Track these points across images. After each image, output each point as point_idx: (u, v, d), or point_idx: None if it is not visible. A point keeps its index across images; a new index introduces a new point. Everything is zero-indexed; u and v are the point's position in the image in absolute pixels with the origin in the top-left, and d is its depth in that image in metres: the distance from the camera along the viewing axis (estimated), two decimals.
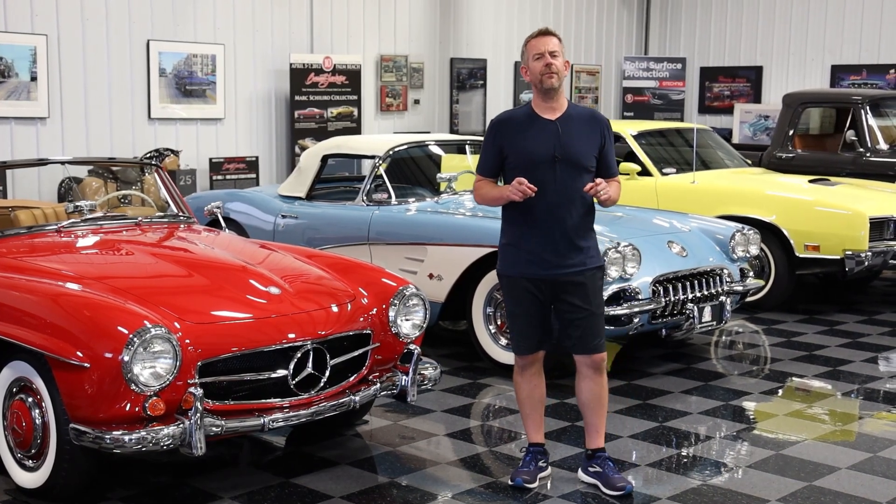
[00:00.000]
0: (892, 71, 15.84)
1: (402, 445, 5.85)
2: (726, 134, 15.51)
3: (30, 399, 4.87)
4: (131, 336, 4.52)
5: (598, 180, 5.01)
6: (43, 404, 4.80)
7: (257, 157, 13.14)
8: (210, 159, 12.65)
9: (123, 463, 5.46)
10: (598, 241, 5.28)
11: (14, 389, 4.98)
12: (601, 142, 5.12)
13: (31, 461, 4.93)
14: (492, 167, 5.16)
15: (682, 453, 5.82)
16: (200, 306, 5.04)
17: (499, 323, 7.30)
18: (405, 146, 8.58)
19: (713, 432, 6.16)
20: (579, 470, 5.35)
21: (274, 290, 5.28)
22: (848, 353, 8.04)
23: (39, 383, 4.78)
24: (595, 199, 5.13)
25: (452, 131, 15.48)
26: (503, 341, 7.29)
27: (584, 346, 5.18)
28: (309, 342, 5.06)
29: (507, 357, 7.27)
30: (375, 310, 5.47)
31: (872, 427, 6.31)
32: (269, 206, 8.83)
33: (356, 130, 13.92)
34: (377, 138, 9.42)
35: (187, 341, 4.71)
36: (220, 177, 12.63)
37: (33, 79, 11.12)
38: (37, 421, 4.84)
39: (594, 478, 5.24)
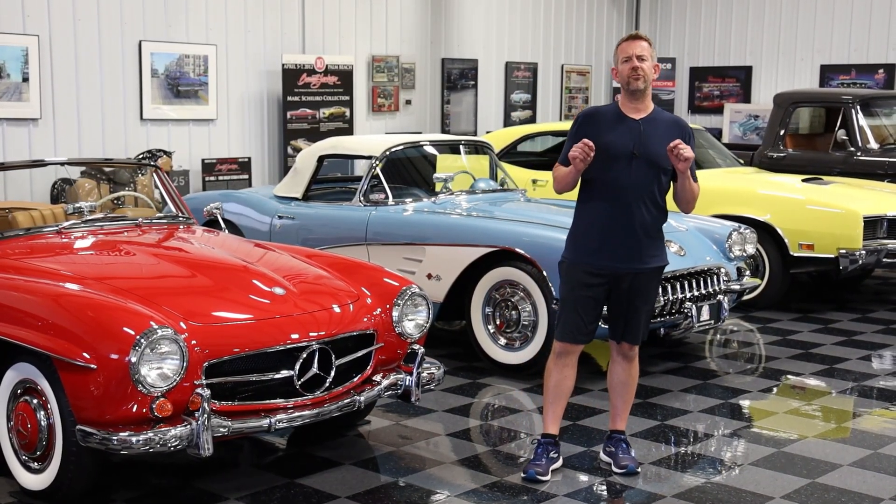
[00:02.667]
0: (881, 70, 15.92)
1: (405, 445, 5.86)
2: (716, 134, 15.55)
3: (35, 401, 4.85)
4: (138, 337, 4.52)
5: (680, 140, 5.07)
6: (48, 406, 4.79)
7: (250, 158, 13.12)
8: (203, 160, 12.62)
9: (125, 465, 5.46)
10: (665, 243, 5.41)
11: (18, 391, 4.96)
12: None
13: (36, 463, 4.92)
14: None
15: (684, 451, 5.85)
16: (205, 307, 5.03)
17: (497, 323, 7.31)
18: (401, 146, 8.58)
19: (714, 430, 6.19)
20: (601, 450, 5.64)
21: (278, 290, 5.28)
22: (843, 350, 8.08)
23: (45, 385, 4.77)
24: (675, 198, 5.28)
25: (444, 131, 15.50)
26: (502, 341, 7.31)
27: (623, 336, 5.42)
28: (314, 343, 5.07)
29: (505, 357, 7.29)
30: (379, 310, 5.48)
31: (872, 424, 6.35)
32: (265, 207, 8.82)
33: (348, 131, 13.92)
34: (373, 138, 9.42)
35: (193, 342, 4.71)
36: (212, 178, 12.61)
37: (25, 80, 11.07)
38: (42, 423, 4.83)
39: (609, 457, 5.52)
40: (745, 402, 6.77)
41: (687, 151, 5.06)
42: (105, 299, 4.85)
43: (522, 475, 5.33)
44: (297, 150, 12.97)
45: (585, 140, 5.06)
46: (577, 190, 5.35)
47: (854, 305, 9.84)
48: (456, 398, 6.77)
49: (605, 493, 5.22)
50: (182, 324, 4.77)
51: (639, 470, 5.40)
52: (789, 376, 7.39)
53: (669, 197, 5.34)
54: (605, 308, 5.40)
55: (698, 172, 9.95)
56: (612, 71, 5.36)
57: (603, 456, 5.57)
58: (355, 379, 5.33)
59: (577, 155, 5.06)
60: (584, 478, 5.38)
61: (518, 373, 7.20)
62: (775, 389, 7.10)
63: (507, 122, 16.53)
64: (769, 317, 9.22)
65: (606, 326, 5.50)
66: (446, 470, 5.51)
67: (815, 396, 6.94)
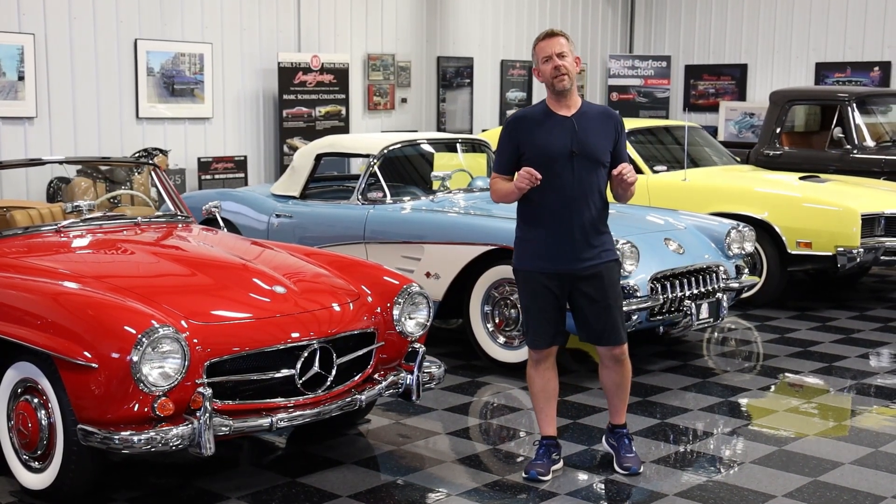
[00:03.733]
0: (876, 68, 15.94)
1: (405, 444, 5.85)
2: (712, 131, 15.55)
3: (35, 400, 4.84)
4: (140, 336, 4.50)
5: (624, 164, 5.14)
6: (49, 405, 4.77)
7: (246, 157, 13.09)
8: (199, 159, 12.60)
9: (126, 464, 5.44)
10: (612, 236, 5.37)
11: (19, 390, 4.94)
12: (615, 136, 5.22)
13: (36, 462, 4.90)
14: (508, 164, 5.20)
15: (685, 450, 5.84)
16: (206, 306, 5.02)
17: (497, 321, 7.30)
18: (399, 145, 8.56)
19: (714, 429, 6.18)
20: (603, 438, 5.61)
21: (279, 289, 5.27)
22: (842, 348, 8.08)
23: (45, 384, 4.75)
24: (612, 190, 5.28)
25: (439, 130, 15.49)
26: (501, 339, 7.31)
27: (603, 339, 5.33)
28: (315, 341, 5.05)
29: (505, 355, 7.29)
30: (379, 308, 5.46)
31: (872, 422, 6.35)
32: (263, 206, 8.80)
33: (344, 129, 13.89)
34: (371, 137, 9.41)
35: (195, 341, 4.70)
36: (208, 176, 12.59)
37: (20, 78, 11.04)
38: (43, 422, 4.81)
39: (611, 449, 5.49)
40: (744, 401, 6.77)
41: (631, 176, 5.09)
42: (106, 298, 4.84)
43: (524, 475, 5.32)
44: (293, 148, 12.97)
45: (531, 170, 4.98)
46: None
47: (851, 303, 9.84)
48: (455, 397, 6.76)
49: (606, 491, 5.21)
50: (183, 322, 4.75)
51: (641, 471, 5.36)
52: (788, 374, 7.39)
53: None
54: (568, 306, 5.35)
55: (696, 170, 10.15)
56: (534, 71, 5.28)
57: (605, 445, 5.54)
58: (356, 378, 5.32)
59: (524, 186, 5.02)
60: (585, 476, 5.37)
61: (517, 371, 7.16)
62: (774, 387, 7.10)
63: (503, 120, 16.51)
64: (767, 315, 9.22)
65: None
66: (447, 469, 5.50)
67: (815, 394, 6.94)
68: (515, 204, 7.22)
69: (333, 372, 5.14)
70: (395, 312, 5.48)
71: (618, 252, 5.44)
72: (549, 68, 5.11)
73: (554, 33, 5.19)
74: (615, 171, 5.12)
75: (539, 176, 4.99)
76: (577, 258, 5.16)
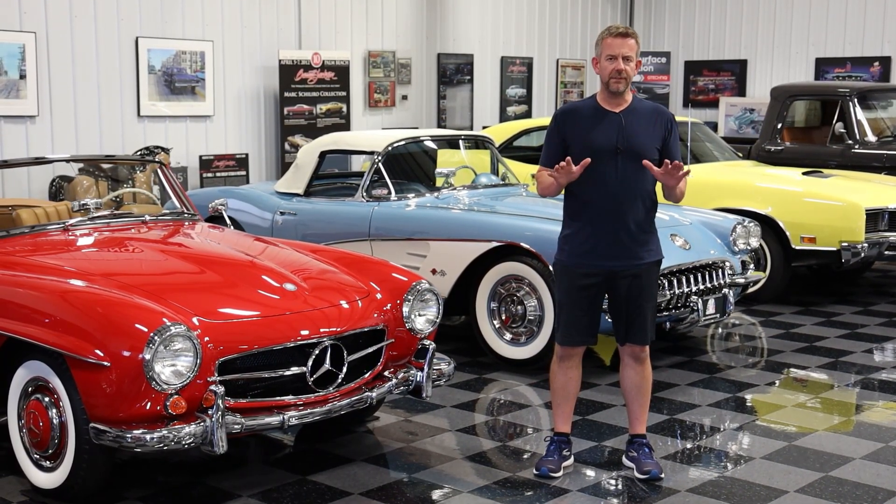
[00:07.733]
0: (876, 63, 15.93)
1: (415, 441, 5.84)
2: (712, 127, 15.55)
3: (46, 399, 4.82)
4: (152, 334, 4.49)
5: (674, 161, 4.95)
6: (60, 404, 4.75)
7: (247, 155, 13.07)
8: (200, 157, 12.59)
9: (134, 462, 5.43)
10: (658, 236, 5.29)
11: (30, 389, 4.93)
12: (664, 134, 5.13)
13: (48, 461, 4.88)
14: (554, 158, 5.14)
15: (695, 446, 5.84)
16: (216, 303, 5.00)
17: (503, 318, 7.30)
18: (403, 142, 8.55)
19: (723, 424, 6.18)
20: (623, 456, 5.47)
21: (289, 286, 5.25)
22: (848, 343, 8.08)
23: (57, 383, 4.73)
24: (662, 189, 5.14)
25: (440, 127, 15.47)
26: (507, 336, 7.30)
27: (628, 337, 5.29)
28: (326, 339, 5.04)
29: (511, 352, 7.28)
30: (389, 305, 5.45)
31: (881, 417, 6.35)
32: (267, 203, 8.78)
33: (345, 127, 13.87)
34: (374, 134, 9.40)
35: (206, 339, 4.68)
36: (210, 174, 12.56)
37: (22, 77, 11.01)
38: (54, 421, 4.79)
39: (631, 462, 5.37)
40: (752, 396, 6.77)
41: (680, 172, 4.94)
42: (117, 296, 4.82)
43: (535, 471, 5.31)
44: (294, 145, 12.96)
45: (568, 162, 4.91)
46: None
47: (855, 298, 9.85)
48: (462, 393, 6.75)
49: (618, 487, 5.20)
50: (194, 320, 4.74)
51: (662, 476, 5.25)
52: (794, 370, 7.39)
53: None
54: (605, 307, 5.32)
55: (697, 166, 10.13)
56: (593, 61, 5.22)
57: (626, 461, 5.41)
58: (366, 375, 5.31)
59: (561, 180, 4.96)
60: (595, 473, 5.37)
61: (524, 368, 7.19)
62: (781, 383, 7.10)
63: (503, 116, 16.51)
64: (771, 310, 9.22)
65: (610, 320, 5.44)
66: (457, 466, 5.49)
67: (823, 390, 6.93)
68: (526, 201, 7.17)
69: (344, 369, 5.13)
70: (405, 309, 5.46)
71: (662, 253, 5.32)
72: (611, 68, 5.03)
73: (627, 33, 5.09)
74: (662, 168, 4.92)
75: (573, 167, 4.91)
76: (619, 256, 5.11)
